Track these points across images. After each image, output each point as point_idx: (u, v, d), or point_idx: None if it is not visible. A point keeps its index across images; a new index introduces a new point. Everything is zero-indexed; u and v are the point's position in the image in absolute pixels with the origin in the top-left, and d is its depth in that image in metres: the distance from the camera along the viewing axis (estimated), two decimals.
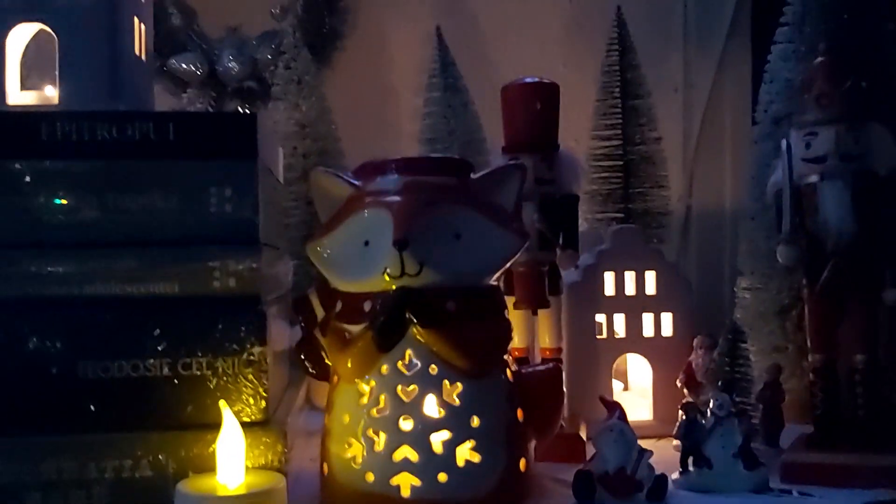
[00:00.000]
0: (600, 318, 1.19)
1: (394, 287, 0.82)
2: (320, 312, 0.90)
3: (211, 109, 1.75)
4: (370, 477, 0.81)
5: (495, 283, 0.89)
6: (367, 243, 0.84)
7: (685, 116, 1.96)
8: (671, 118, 1.88)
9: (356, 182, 0.88)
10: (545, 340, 1.12)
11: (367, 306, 0.83)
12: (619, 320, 1.19)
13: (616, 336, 1.19)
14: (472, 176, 0.88)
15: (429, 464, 0.80)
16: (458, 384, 0.82)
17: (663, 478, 0.86)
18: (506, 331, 0.87)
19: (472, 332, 0.83)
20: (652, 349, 1.19)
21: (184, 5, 1.90)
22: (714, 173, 1.87)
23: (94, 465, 0.80)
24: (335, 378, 0.87)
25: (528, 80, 1.10)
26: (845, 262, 0.93)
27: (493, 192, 0.88)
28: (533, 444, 0.91)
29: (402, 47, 1.84)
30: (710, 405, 0.91)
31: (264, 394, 0.84)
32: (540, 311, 1.11)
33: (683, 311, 1.19)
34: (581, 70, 1.66)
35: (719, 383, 0.96)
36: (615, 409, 0.91)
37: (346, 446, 0.83)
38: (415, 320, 0.81)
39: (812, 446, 0.95)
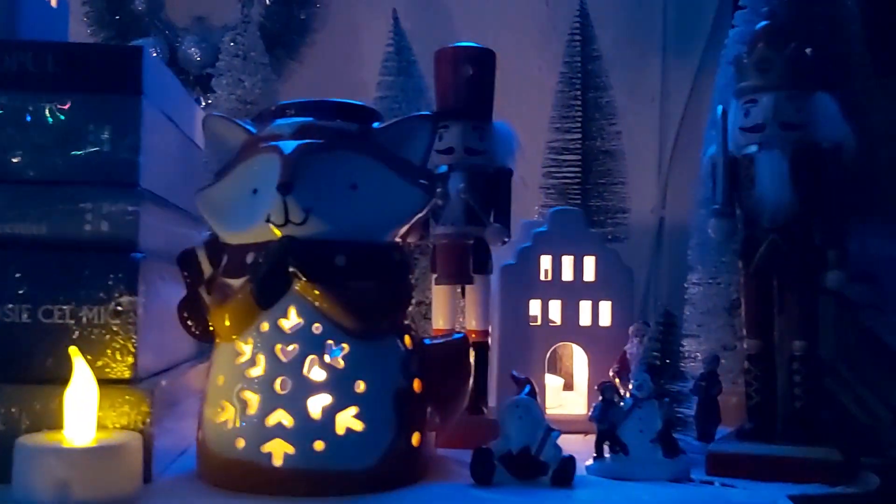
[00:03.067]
0: (535, 303, 1.12)
1: (278, 237, 0.75)
2: (209, 270, 0.83)
3: None
4: (240, 443, 0.74)
5: (399, 241, 0.82)
6: (255, 191, 0.77)
7: (661, 126, 1.91)
8: (647, 128, 1.83)
9: (250, 127, 0.82)
10: (471, 322, 1.04)
11: (249, 258, 0.77)
12: (555, 307, 1.12)
13: (551, 323, 1.12)
14: (377, 125, 0.81)
15: (304, 430, 0.73)
16: (344, 345, 0.75)
17: (570, 460, 0.79)
18: (403, 293, 0.80)
19: (362, 290, 0.76)
20: (588, 339, 1.12)
21: None
22: (689, 184, 1.81)
23: None
24: (217, 338, 0.80)
25: (461, 44, 1.05)
26: (783, 239, 0.86)
27: (399, 143, 0.81)
28: (435, 422, 0.84)
29: (372, 43, 1.80)
30: (630, 386, 0.84)
31: (132, 349, 0.76)
32: (467, 291, 1.05)
33: (623, 299, 1.12)
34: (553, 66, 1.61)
35: (642, 366, 0.88)
36: (525, 385, 0.84)
37: (219, 410, 0.76)
38: (298, 274, 0.74)
39: (743, 437, 0.87)
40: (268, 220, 0.74)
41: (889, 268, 1.00)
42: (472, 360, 0.85)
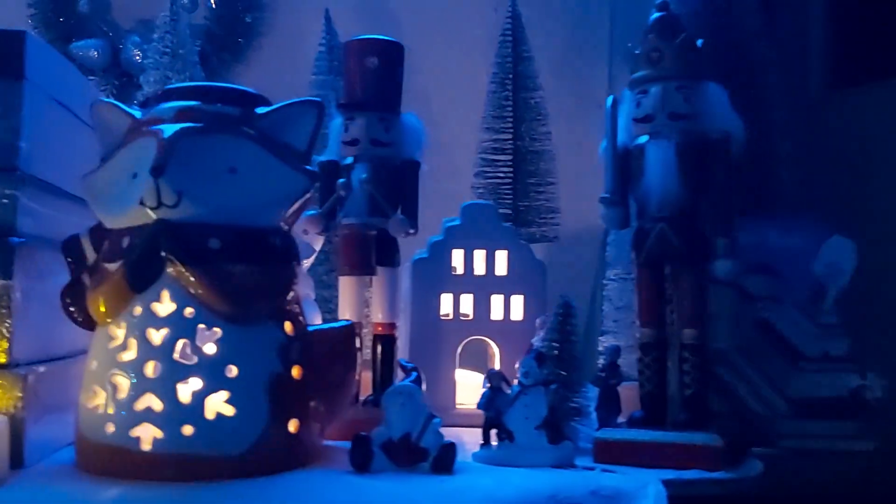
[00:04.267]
0: (446, 297, 1.12)
1: (152, 220, 0.74)
2: (93, 256, 0.82)
3: (114, 97, 1.70)
4: (110, 427, 0.73)
5: (283, 227, 0.81)
6: (135, 175, 0.77)
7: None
8: (596, 134, 1.83)
9: (136, 113, 0.81)
10: (377, 315, 1.04)
11: (125, 242, 0.76)
12: (467, 301, 1.12)
13: (463, 317, 1.12)
14: (260, 109, 0.81)
15: (173, 414, 0.72)
16: (217, 330, 0.74)
17: (451, 447, 0.78)
18: (282, 278, 0.80)
19: (236, 274, 0.75)
20: (500, 333, 1.12)
21: None
22: None
23: None
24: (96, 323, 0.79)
25: (368, 35, 1.05)
26: (671, 228, 0.87)
27: (282, 128, 0.81)
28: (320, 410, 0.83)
29: (316, 46, 1.80)
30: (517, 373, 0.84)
31: (6, 334, 0.76)
32: (374, 284, 1.04)
33: (535, 293, 1.12)
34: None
35: (532, 353, 0.87)
36: (411, 373, 0.83)
37: (92, 395, 0.75)
38: (171, 257, 0.74)
39: (633, 425, 0.87)
40: (142, 203, 0.74)
41: (786, 260, 1.01)
42: (356, 348, 0.84)
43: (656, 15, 0.90)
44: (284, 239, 0.81)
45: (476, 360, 1.21)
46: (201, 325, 0.74)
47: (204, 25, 1.82)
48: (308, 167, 0.81)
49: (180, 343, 0.73)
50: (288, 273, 0.80)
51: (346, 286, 1.03)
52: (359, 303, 1.03)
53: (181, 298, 0.74)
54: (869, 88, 1.20)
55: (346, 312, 1.03)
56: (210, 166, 0.76)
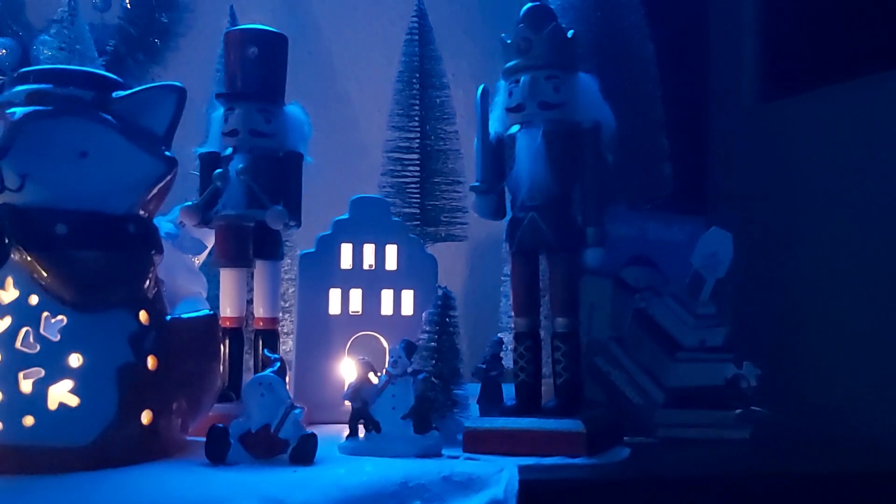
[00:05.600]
0: (335, 292, 1.11)
1: None
2: None
3: None
4: None
5: (140, 214, 0.79)
6: None
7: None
8: None
9: None
10: (258, 309, 1.02)
11: None
12: (356, 296, 1.11)
13: (352, 312, 1.11)
14: (117, 94, 0.79)
15: (13, 405, 0.70)
16: (62, 317, 0.72)
17: (311, 437, 0.77)
18: (135, 266, 0.77)
19: (85, 260, 0.73)
20: (390, 328, 1.10)
21: None
22: None
23: None
24: None
25: (248, 25, 1.04)
26: (542, 217, 0.86)
27: (140, 113, 0.79)
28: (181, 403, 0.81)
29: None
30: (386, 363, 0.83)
31: None
32: (255, 277, 1.03)
33: (426, 288, 1.11)
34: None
35: (401, 343, 0.86)
36: (274, 363, 0.82)
37: None
38: (14, 242, 0.71)
39: (506, 413, 0.87)
40: None
41: (665, 252, 1.01)
42: (219, 338, 0.82)
43: (528, 5, 0.91)
44: (141, 225, 0.79)
45: (366, 356, 1.20)
46: (45, 313, 0.71)
47: (119, 26, 1.78)
48: (167, 153, 0.80)
49: (23, 331, 0.71)
50: (141, 260, 0.78)
51: (226, 279, 1.01)
52: (238, 296, 1.02)
53: (25, 285, 0.72)
54: (798, 99, 1.23)
55: (226, 306, 1.01)
56: (58, 150, 0.74)
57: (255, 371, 1.00)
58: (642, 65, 1.08)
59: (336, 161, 1.48)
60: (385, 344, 1.11)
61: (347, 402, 0.84)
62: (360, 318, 1.11)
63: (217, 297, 1.09)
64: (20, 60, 1.75)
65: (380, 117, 1.47)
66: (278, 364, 0.81)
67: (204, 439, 0.78)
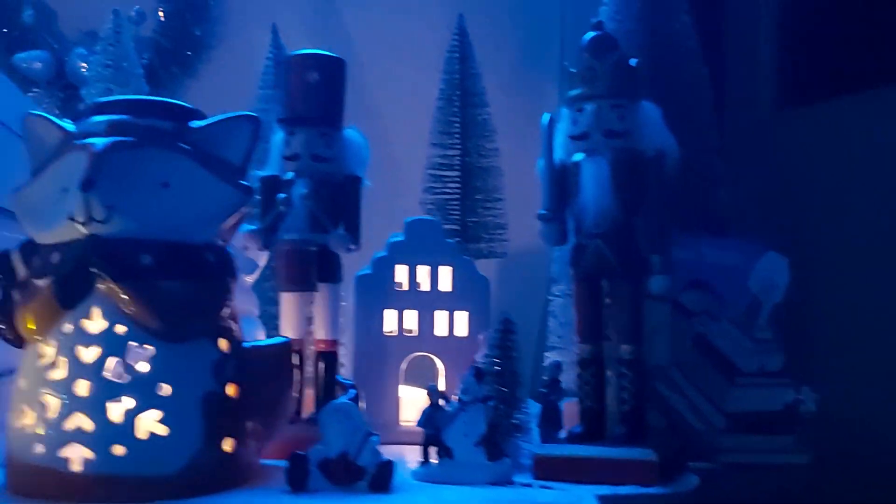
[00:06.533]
0: (390, 314, 1.12)
1: (83, 235, 0.73)
2: (24, 272, 0.80)
3: (58, 110, 1.67)
4: (39, 448, 0.71)
5: (218, 242, 0.81)
6: (65, 190, 0.75)
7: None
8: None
9: (67, 126, 0.80)
10: (318, 331, 1.03)
11: (54, 258, 0.74)
12: (411, 317, 1.12)
13: (407, 333, 1.12)
14: (195, 124, 0.80)
15: (104, 434, 0.71)
16: (149, 347, 0.73)
17: (388, 465, 0.78)
18: (217, 295, 0.79)
19: (169, 290, 0.74)
20: (444, 349, 1.12)
21: (42, 5, 1.83)
22: None
23: None
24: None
25: (308, 50, 1.05)
26: (607, 245, 0.88)
27: (217, 143, 0.80)
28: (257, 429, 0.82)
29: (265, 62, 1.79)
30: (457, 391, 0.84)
31: None
32: (316, 300, 1.04)
33: (479, 310, 1.13)
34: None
35: (470, 370, 0.87)
36: (349, 390, 0.83)
37: (21, 414, 0.73)
38: (101, 273, 0.72)
39: (572, 440, 0.88)
40: (71, 218, 0.73)
41: (722, 276, 1.02)
42: (292, 364, 0.83)
43: (591, 34, 0.92)
44: (219, 254, 0.80)
45: (420, 376, 1.21)
46: (133, 343, 0.73)
47: (153, 39, 1.80)
48: (243, 182, 0.81)
49: (111, 361, 0.72)
50: (223, 289, 0.79)
51: (288, 303, 1.02)
52: (300, 319, 1.02)
53: (112, 315, 0.73)
54: (817, 108, 1.23)
55: (287, 329, 1.02)
56: (142, 181, 0.75)
57: (317, 393, 1.01)
58: (697, 91, 1.09)
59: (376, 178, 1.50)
60: (440, 364, 1.12)
61: (419, 428, 0.85)
62: (414, 339, 1.12)
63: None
64: (56, 73, 1.77)
65: (414, 133, 1.48)
66: (353, 391, 0.82)
67: (273, 462, 0.79)
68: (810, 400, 0.96)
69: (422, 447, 0.84)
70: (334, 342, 1.04)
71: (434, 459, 0.83)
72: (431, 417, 0.84)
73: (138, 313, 0.73)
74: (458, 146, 1.47)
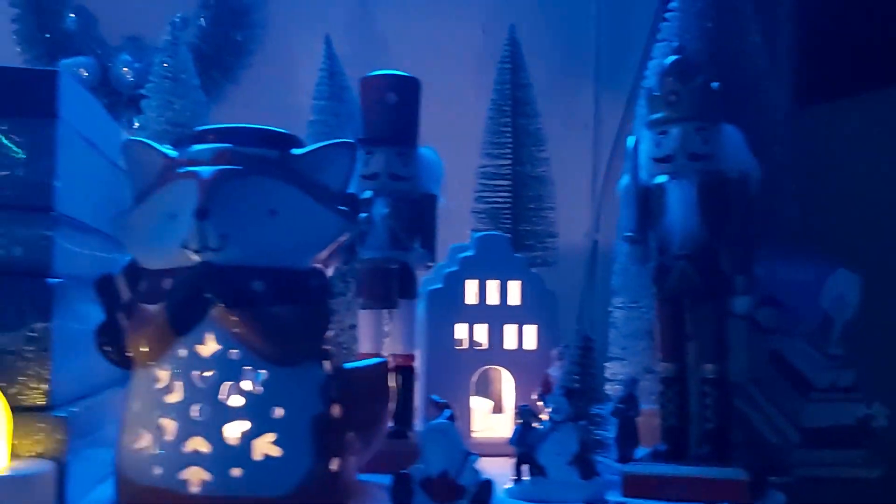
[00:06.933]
0: (460, 327, 1.14)
1: (195, 263, 0.75)
2: (128, 295, 0.82)
3: None
4: (157, 470, 0.73)
5: (319, 267, 0.82)
6: (173, 216, 0.77)
7: (594, 152, 1.95)
8: (581, 154, 1.87)
9: (170, 152, 0.82)
10: (396, 346, 1.05)
11: (166, 284, 0.76)
12: (481, 331, 1.14)
13: (477, 347, 1.14)
14: (296, 151, 0.82)
15: (221, 457, 0.73)
16: (262, 371, 0.75)
17: (488, 484, 0.80)
18: (322, 318, 0.80)
19: (280, 316, 0.76)
20: (514, 362, 1.14)
21: (84, 11, 1.85)
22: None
23: None
24: (135, 364, 0.79)
25: (385, 71, 1.06)
26: (691, 266, 0.89)
27: (318, 169, 0.82)
28: (356, 447, 0.84)
29: (308, 67, 1.80)
30: (548, 410, 0.85)
31: (47, 375, 0.75)
32: (392, 316, 1.06)
33: (548, 323, 1.15)
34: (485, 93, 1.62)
35: (559, 388, 0.90)
36: (444, 409, 0.85)
37: (136, 437, 0.75)
38: (215, 299, 0.74)
39: (658, 458, 0.90)
40: (184, 246, 0.74)
41: (794, 292, 1.04)
42: (392, 384, 0.85)
43: (673, 58, 0.93)
44: (322, 279, 0.82)
45: (485, 388, 1.23)
46: (246, 367, 0.74)
47: (194, 44, 1.82)
48: (343, 208, 0.82)
49: (226, 385, 0.74)
50: (327, 313, 0.81)
51: (366, 318, 1.05)
52: (378, 334, 1.05)
53: (225, 340, 0.75)
54: (836, 105, 1.24)
55: (365, 344, 1.04)
56: (251, 209, 0.76)
57: (396, 407, 1.03)
58: (770, 112, 1.10)
59: None
60: (510, 377, 1.14)
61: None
62: (484, 352, 1.14)
63: None
64: (100, 80, 1.78)
65: (465, 142, 1.50)
66: (449, 411, 0.84)
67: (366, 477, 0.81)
68: (882, 415, 0.98)
69: (515, 465, 0.86)
70: (411, 357, 1.06)
71: (526, 477, 0.85)
72: (524, 436, 0.86)
73: (251, 338, 0.74)
74: (510, 155, 1.49)
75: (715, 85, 0.92)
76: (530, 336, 1.14)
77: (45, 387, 0.75)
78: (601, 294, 1.73)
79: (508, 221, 1.47)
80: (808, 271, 1.06)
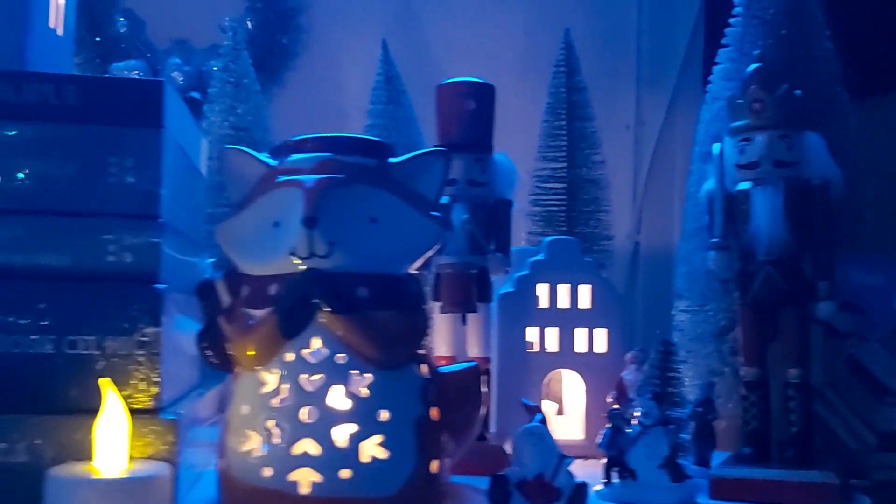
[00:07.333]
0: (532, 331, 1.15)
1: (302, 269, 0.77)
2: (228, 300, 0.84)
3: None
4: (267, 472, 0.75)
5: (415, 273, 0.84)
6: (276, 224, 0.79)
7: (636, 153, 1.96)
8: (622, 155, 1.88)
9: (270, 161, 0.83)
10: (472, 349, 1.07)
11: (272, 290, 0.78)
12: (552, 334, 1.15)
13: (548, 350, 1.15)
14: (393, 160, 0.84)
15: (331, 458, 0.74)
16: (368, 375, 0.76)
17: (583, 486, 0.81)
18: (422, 323, 0.82)
19: (384, 321, 0.77)
20: (584, 365, 1.15)
21: (132, 15, 1.87)
22: (663, 210, 1.86)
23: None
24: (238, 368, 0.81)
25: (463, 78, 1.08)
26: (777, 272, 0.91)
27: (414, 177, 0.83)
28: (450, 449, 0.86)
29: (354, 70, 1.82)
30: (637, 414, 0.87)
31: (156, 379, 0.77)
32: (469, 319, 1.07)
33: (617, 327, 1.16)
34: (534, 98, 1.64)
35: (648, 393, 0.91)
36: (536, 412, 0.86)
37: (244, 439, 0.77)
38: (322, 305, 0.76)
39: (743, 462, 0.91)
40: (292, 254, 0.76)
41: (871, 297, 1.05)
42: (485, 388, 0.87)
43: (756, 66, 0.94)
44: (419, 285, 0.83)
45: (559, 391, 1.24)
46: (353, 371, 0.76)
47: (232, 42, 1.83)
48: (437, 214, 0.84)
49: (334, 388, 0.76)
50: (425, 317, 0.83)
51: (443, 321, 1.06)
52: (456, 338, 1.06)
53: (332, 345, 0.76)
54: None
55: (442, 347, 1.06)
56: (354, 217, 0.78)
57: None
58: (841, 120, 1.11)
59: None
60: (581, 381, 1.15)
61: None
62: (555, 356, 1.15)
63: None
64: None
65: (521, 145, 1.51)
66: (541, 414, 0.86)
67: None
68: None
69: (605, 468, 0.87)
70: (487, 359, 1.08)
71: (616, 480, 0.86)
72: (614, 440, 0.87)
73: (358, 343, 0.76)
74: (565, 159, 1.50)
75: (798, 92, 0.93)
76: (601, 339, 1.16)
77: (154, 390, 0.77)
78: (653, 294, 1.74)
79: (564, 224, 1.49)
80: (881, 275, 1.07)
